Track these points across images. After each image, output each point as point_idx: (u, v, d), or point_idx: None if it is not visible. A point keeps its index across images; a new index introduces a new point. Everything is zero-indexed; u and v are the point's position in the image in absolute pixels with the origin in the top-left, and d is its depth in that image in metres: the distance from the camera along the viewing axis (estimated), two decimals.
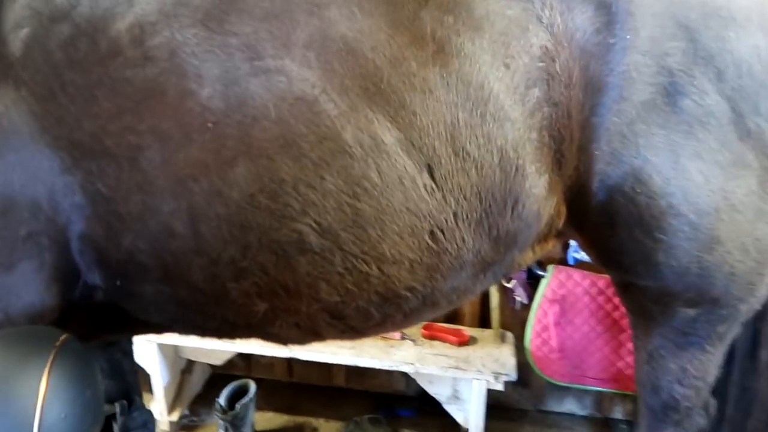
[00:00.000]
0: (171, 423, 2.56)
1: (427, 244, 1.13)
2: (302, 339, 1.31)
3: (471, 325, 2.54)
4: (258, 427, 2.58)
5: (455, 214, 1.12)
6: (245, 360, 2.84)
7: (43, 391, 0.91)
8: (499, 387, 2.24)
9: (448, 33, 1.07)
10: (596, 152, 1.11)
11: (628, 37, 1.06)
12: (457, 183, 1.10)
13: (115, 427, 1.58)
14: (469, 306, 2.54)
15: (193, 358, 2.63)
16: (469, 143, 1.08)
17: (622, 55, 1.06)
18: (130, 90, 1.04)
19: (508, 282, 2.33)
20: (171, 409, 2.57)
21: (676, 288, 1.19)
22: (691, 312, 1.22)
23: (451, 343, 2.38)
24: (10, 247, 1.07)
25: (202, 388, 2.80)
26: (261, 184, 1.05)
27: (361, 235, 1.10)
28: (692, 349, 1.28)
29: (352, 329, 1.27)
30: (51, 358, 0.95)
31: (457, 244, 1.15)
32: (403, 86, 1.05)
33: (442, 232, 1.13)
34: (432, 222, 1.12)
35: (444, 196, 1.10)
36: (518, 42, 1.07)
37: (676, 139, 1.07)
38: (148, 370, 2.46)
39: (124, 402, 1.63)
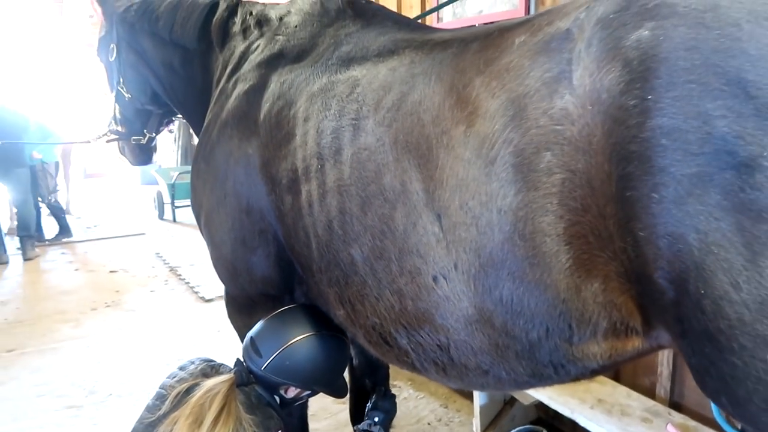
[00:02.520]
0: None
1: (432, 287, 1.19)
2: (378, 351, 1.52)
3: None
4: None
5: (455, 266, 1.14)
6: (572, 422, 2.87)
7: (290, 342, 1.60)
8: None
9: (486, 96, 1.11)
10: (641, 233, 0.91)
11: (649, 97, 0.87)
12: (459, 236, 1.12)
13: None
14: None
15: (512, 393, 2.89)
16: (473, 199, 1.10)
17: (644, 118, 0.88)
18: (287, 138, 1.58)
19: None
20: (484, 429, 2.91)
21: None
22: None
23: None
24: (252, 236, 1.73)
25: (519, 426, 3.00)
26: (336, 213, 1.38)
27: (386, 267, 1.27)
28: None
29: (404, 362, 1.43)
30: (312, 333, 1.62)
31: (458, 295, 1.16)
32: (435, 142, 1.16)
33: (445, 279, 1.17)
34: (436, 268, 1.18)
35: (447, 246, 1.14)
36: (540, 104, 1.02)
37: (751, 230, 0.78)
38: None
39: (382, 388, 2.16)
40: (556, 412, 2.85)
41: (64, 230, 7.35)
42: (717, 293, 0.83)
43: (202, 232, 2.02)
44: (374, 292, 1.37)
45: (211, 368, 1.66)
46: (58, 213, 7.30)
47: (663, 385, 2.40)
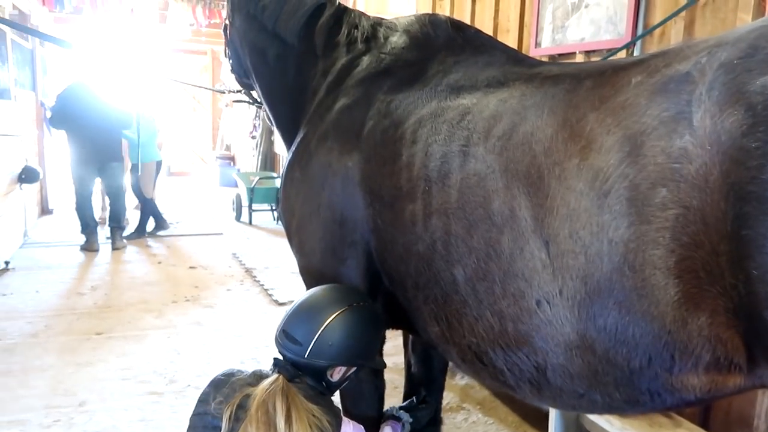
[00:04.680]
0: None
1: (535, 311, 1.20)
2: (471, 369, 1.53)
3: None
4: None
5: (560, 291, 1.15)
6: None
7: (327, 322, 1.58)
8: None
9: (601, 131, 1.14)
10: (755, 272, 0.91)
11: None
12: (567, 263, 1.14)
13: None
14: None
15: (588, 429, 2.80)
16: (583, 229, 1.11)
17: (764, 161, 0.89)
18: (392, 157, 1.61)
19: None
20: None
21: None
22: None
23: None
24: (343, 247, 1.78)
25: None
26: (440, 234, 1.40)
27: (489, 289, 1.29)
28: None
29: (498, 380, 1.43)
30: (344, 308, 1.61)
31: (561, 320, 1.16)
32: (547, 172, 1.19)
33: (548, 303, 1.18)
34: (540, 293, 1.19)
35: (553, 272, 1.15)
36: (658, 142, 1.03)
37: None
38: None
39: (428, 398, 2.17)
40: None
41: (161, 224, 7.75)
42: None
43: (290, 240, 2.08)
44: (474, 312, 1.40)
45: (255, 376, 1.61)
46: (155, 209, 7.70)
47: None
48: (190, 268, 6.34)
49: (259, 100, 2.69)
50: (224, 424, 1.46)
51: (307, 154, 1.96)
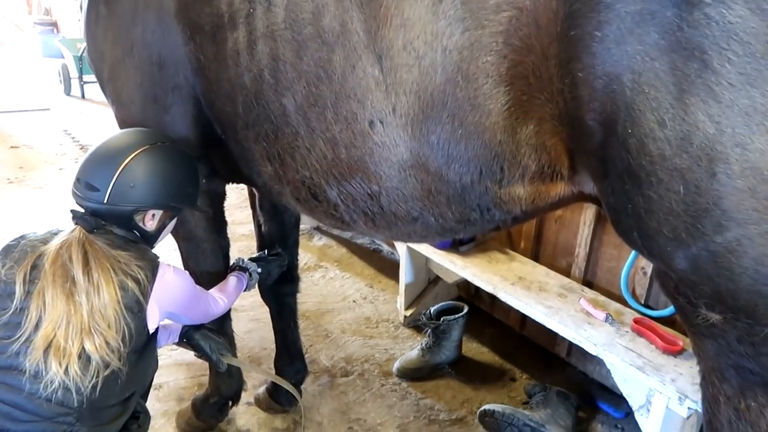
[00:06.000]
0: (405, 317, 3.02)
1: (368, 133, 1.17)
2: (306, 208, 1.50)
3: None
4: (465, 352, 2.80)
5: (394, 109, 1.12)
6: (491, 298, 3.03)
7: (125, 164, 1.40)
8: (682, 413, 1.86)
9: None
10: (580, 74, 0.90)
11: None
12: (400, 78, 1.09)
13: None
14: None
15: (436, 272, 2.99)
16: (417, 38, 1.05)
17: None
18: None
19: None
20: (408, 305, 3.02)
21: (690, 277, 0.88)
22: (714, 318, 0.89)
23: (657, 345, 2.05)
24: (165, 92, 1.58)
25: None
26: (267, 61, 1.28)
27: (321, 115, 1.22)
28: (743, 385, 0.93)
29: (332, 216, 1.41)
30: (145, 147, 1.44)
31: (395, 140, 1.14)
32: None
33: (382, 123, 1.14)
34: (373, 113, 1.14)
35: (387, 89, 1.11)
36: None
37: (683, 69, 0.79)
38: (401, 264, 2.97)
39: (281, 251, 2.18)
40: (477, 291, 3.01)
41: None
42: (643, 131, 0.86)
43: (103, 89, 1.81)
44: (306, 143, 1.32)
45: (50, 234, 1.42)
46: None
47: (578, 266, 2.54)
48: (12, 147, 5.57)
49: None
50: (18, 289, 1.29)
51: None
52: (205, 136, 1.64)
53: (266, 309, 2.39)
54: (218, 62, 1.42)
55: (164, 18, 1.52)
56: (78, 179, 1.44)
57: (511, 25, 0.98)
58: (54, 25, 11.62)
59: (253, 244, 2.38)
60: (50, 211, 4.07)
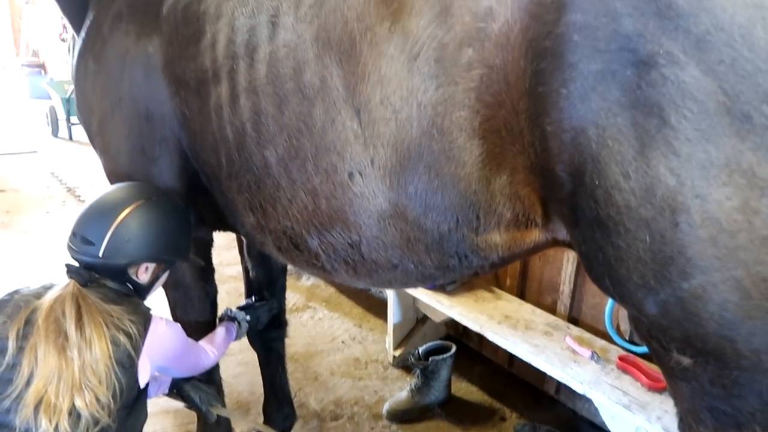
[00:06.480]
0: (393, 357, 3.01)
1: (348, 184, 1.20)
2: (287, 257, 1.52)
3: None
4: (454, 392, 2.79)
5: (372, 161, 1.16)
6: (479, 336, 3.05)
7: (121, 219, 1.43)
8: None
9: None
10: (549, 128, 0.95)
11: None
12: (378, 131, 1.13)
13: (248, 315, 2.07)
14: None
15: (424, 311, 3.00)
16: (394, 94, 1.10)
17: (558, 14, 0.90)
18: (196, 36, 1.45)
19: None
20: (397, 345, 3.03)
21: (661, 321, 0.92)
22: (686, 361, 0.93)
23: (642, 382, 2.07)
24: (152, 144, 1.61)
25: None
26: (249, 114, 1.32)
27: (302, 167, 1.25)
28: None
29: (313, 266, 1.43)
30: (140, 202, 1.47)
31: (374, 191, 1.18)
32: (359, 38, 1.14)
33: (361, 175, 1.18)
34: (352, 164, 1.18)
35: (365, 142, 1.15)
36: (466, 1, 1.02)
37: (643, 124, 0.84)
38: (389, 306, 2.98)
39: (273, 300, 2.19)
40: (465, 329, 3.01)
41: None
42: (609, 183, 0.90)
43: (92, 141, 1.85)
44: (287, 194, 1.35)
45: (43, 288, 1.43)
46: None
47: (563, 303, 2.57)
48: None
49: None
50: (11, 345, 1.29)
51: (100, 39, 1.69)
52: (192, 186, 1.67)
53: (254, 353, 2.39)
54: (203, 115, 1.47)
55: (151, 73, 1.56)
56: (74, 233, 1.46)
57: (483, 82, 1.03)
58: (42, 66, 11.70)
59: (241, 285, 2.40)
60: (35, 257, 4.05)
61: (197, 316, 1.95)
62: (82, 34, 1.81)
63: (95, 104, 1.74)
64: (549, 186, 1.03)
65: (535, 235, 1.18)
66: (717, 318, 0.85)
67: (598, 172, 0.90)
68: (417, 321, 3.10)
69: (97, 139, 1.79)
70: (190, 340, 1.61)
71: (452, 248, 1.23)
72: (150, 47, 1.56)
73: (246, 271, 2.36)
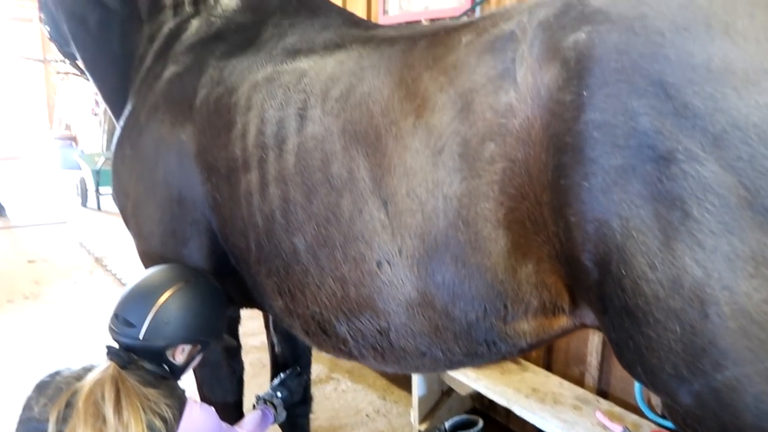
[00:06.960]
0: (419, 431, 2.95)
1: (376, 272, 1.23)
2: (315, 341, 1.53)
3: None
4: None
5: (400, 251, 1.19)
6: (506, 409, 2.98)
7: (161, 302, 1.48)
8: None
9: (434, 90, 1.17)
10: (572, 219, 0.98)
11: (584, 93, 0.95)
12: (405, 222, 1.17)
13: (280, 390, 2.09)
14: None
15: (449, 384, 2.95)
16: (420, 186, 1.15)
17: (577, 113, 0.95)
18: (227, 126, 1.53)
19: None
20: (422, 419, 2.96)
21: (696, 411, 0.91)
22: None
23: None
24: (184, 227, 1.68)
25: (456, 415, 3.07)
26: (279, 203, 1.38)
27: (330, 255, 1.29)
28: None
29: (341, 351, 1.45)
30: (179, 285, 1.52)
31: (402, 280, 1.20)
32: (384, 132, 1.20)
33: (389, 264, 1.21)
34: (380, 254, 1.21)
35: (392, 232, 1.19)
36: (486, 98, 1.08)
37: (666, 216, 0.87)
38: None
39: (296, 367, 2.20)
40: (491, 402, 2.95)
41: None
42: (636, 273, 0.92)
43: (127, 223, 1.93)
44: (316, 280, 1.39)
45: (84, 369, 1.46)
46: None
47: (592, 375, 2.52)
48: (29, 262, 5.69)
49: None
50: (51, 428, 1.31)
51: (137, 128, 1.80)
52: (221, 267, 1.72)
53: (279, 429, 2.36)
54: (233, 201, 1.53)
55: (184, 160, 1.65)
56: (116, 315, 1.52)
57: (505, 174, 1.07)
58: (73, 139, 12.18)
59: (264, 355, 2.39)
60: (63, 328, 4.10)
61: (224, 394, 1.96)
62: (121, 122, 1.92)
63: (131, 189, 1.82)
64: (575, 274, 1.05)
65: (563, 321, 1.19)
66: (753, 410, 0.85)
67: (624, 262, 0.93)
68: (442, 393, 3.05)
69: (132, 221, 1.86)
70: (224, 424, 1.62)
71: (480, 336, 1.24)
72: (183, 135, 1.65)
73: (271, 345, 2.37)
